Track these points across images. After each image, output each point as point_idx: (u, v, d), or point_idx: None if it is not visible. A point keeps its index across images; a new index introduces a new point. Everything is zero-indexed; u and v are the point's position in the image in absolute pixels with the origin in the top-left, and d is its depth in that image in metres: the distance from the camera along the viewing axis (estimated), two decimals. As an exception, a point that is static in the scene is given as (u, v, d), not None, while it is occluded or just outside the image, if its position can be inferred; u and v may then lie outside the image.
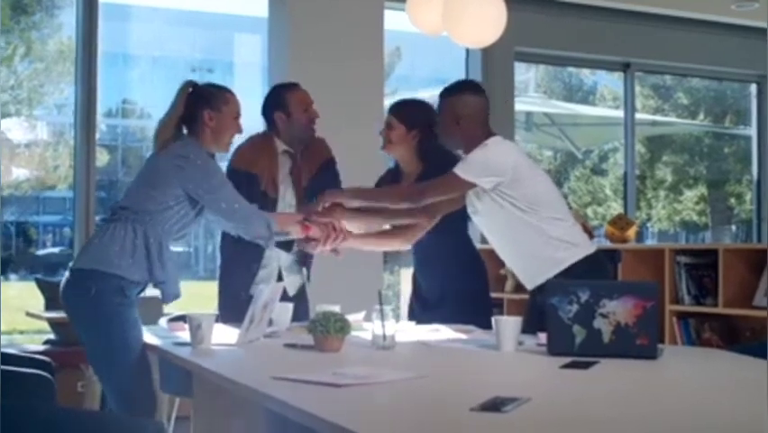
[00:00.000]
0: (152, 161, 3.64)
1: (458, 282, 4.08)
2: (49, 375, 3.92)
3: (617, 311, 2.92)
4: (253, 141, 4.25)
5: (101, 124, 9.08)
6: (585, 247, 3.68)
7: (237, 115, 3.72)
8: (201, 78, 8.72)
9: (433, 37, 4.68)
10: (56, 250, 9.39)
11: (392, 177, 4.27)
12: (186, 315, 3.44)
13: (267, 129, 4.28)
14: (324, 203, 3.92)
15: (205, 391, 3.19)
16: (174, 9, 8.36)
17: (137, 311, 3.48)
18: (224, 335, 3.41)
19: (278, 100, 4.25)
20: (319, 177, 4.24)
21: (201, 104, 3.64)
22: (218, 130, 3.66)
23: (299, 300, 4.23)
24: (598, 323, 2.93)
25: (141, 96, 9.32)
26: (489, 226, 3.77)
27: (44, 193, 8.98)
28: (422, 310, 4.15)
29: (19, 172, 8.55)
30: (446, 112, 3.76)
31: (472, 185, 3.62)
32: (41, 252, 9.53)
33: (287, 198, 4.20)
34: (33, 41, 8.47)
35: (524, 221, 3.61)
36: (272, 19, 6.51)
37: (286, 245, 4.03)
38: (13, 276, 8.99)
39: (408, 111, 4.12)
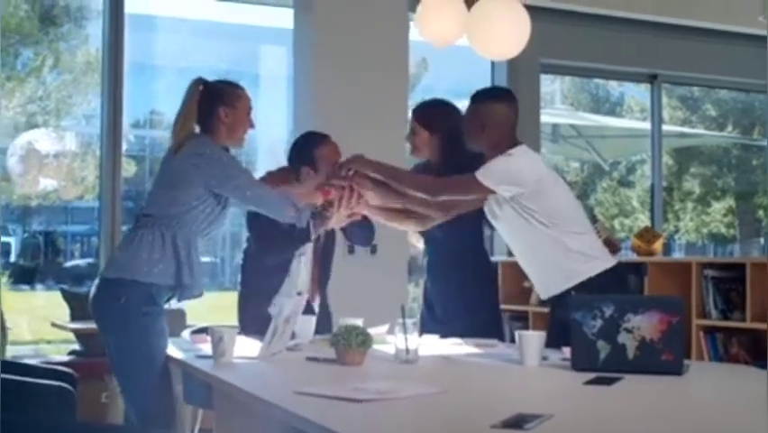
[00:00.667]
0: (169, 163, 3.61)
1: (467, 293, 4.06)
2: (70, 387, 3.92)
3: (642, 326, 2.89)
4: (282, 171, 4.23)
5: (129, 134, 9.13)
6: (604, 261, 3.65)
7: (249, 111, 3.70)
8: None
9: (440, 48, 4.62)
10: (82, 262, 9.43)
11: (423, 169, 4.22)
12: (208, 327, 3.43)
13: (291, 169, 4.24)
14: (349, 169, 3.87)
15: (227, 404, 3.18)
16: (201, 20, 8.39)
17: (165, 321, 3.48)
18: (246, 348, 3.40)
19: (307, 156, 4.20)
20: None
21: (215, 101, 3.61)
22: (233, 126, 3.63)
23: (322, 313, 4.22)
24: (623, 338, 2.89)
25: (169, 107, 9.35)
26: (509, 233, 3.75)
27: (72, 203, 9.02)
28: (431, 321, 4.12)
29: (46, 183, 8.60)
30: (472, 117, 3.74)
31: (490, 191, 3.60)
32: (68, 263, 9.57)
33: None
34: (62, 53, 8.52)
35: (544, 233, 3.58)
36: (297, 31, 6.51)
37: (304, 237, 3.96)
38: (39, 286, 9.04)
39: (429, 115, 4.09)
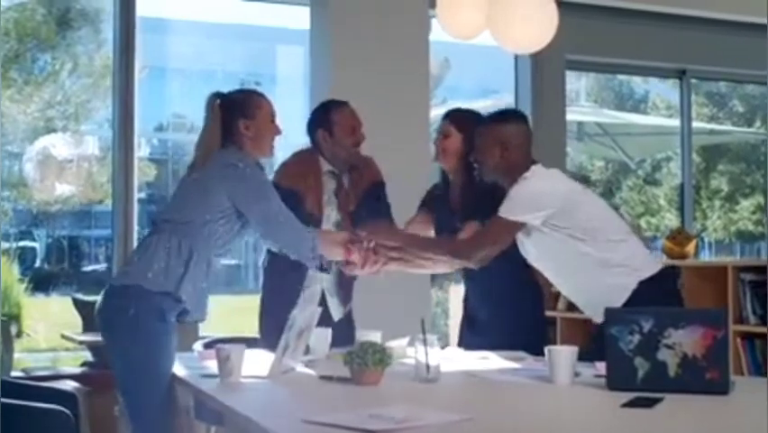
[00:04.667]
0: (193, 175, 3.42)
1: (512, 304, 3.86)
2: (69, 412, 3.73)
3: (684, 342, 2.66)
4: (298, 158, 4.07)
5: (153, 138, 9.05)
6: (649, 268, 3.42)
7: (272, 117, 3.51)
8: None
9: (473, 44, 4.41)
10: (98, 267, 9.34)
11: (442, 189, 4.06)
12: (218, 342, 3.24)
13: (312, 146, 4.08)
14: (370, 241, 3.70)
15: (237, 424, 2.98)
16: (219, 23, 8.30)
17: (175, 339, 3.29)
18: (256, 364, 3.18)
19: (323, 117, 4.05)
20: (366, 202, 4.04)
21: (234, 114, 3.43)
22: (257, 137, 3.45)
23: (345, 325, 4.01)
24: (663, 355, 2.66)
25: (190, 110, 9.29)
26: (546, 264, 3.55)
27: (95, 207, 8.97)
28: (471, 333, 3.94)
29: (63, 188, 8.50)
30: (491, 138, 3.55)
31: (522, 225, 3.40)
32: (85, 268, 9.50)
33: (331, 219, 4.00)
34: (79, 57, 8.43)
35: (582, 251, 3.37)
36: (314, 30, 6.34)
37: (324, 267, 3.81)
38: (54, 293, 8.93)
39: (468, 119, 3.91)
